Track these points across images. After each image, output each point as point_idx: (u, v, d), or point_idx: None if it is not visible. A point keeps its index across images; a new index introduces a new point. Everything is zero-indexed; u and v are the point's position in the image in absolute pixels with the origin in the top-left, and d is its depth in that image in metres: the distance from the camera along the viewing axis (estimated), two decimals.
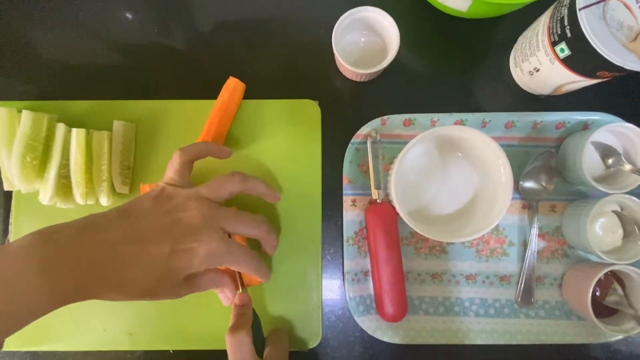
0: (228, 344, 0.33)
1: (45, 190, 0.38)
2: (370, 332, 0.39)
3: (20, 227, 0.41)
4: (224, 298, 0.37)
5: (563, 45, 0.33)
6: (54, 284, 0.26)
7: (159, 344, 0.40)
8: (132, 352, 0.40)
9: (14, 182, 0.38)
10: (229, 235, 0.35)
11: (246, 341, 0.33)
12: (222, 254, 0.31)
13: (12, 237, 0.41)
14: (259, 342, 0.35)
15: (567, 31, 0.32)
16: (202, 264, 0.30)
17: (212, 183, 0.34)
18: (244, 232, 0.35)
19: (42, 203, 0.38)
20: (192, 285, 0.33)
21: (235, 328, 0.34)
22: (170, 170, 0.34)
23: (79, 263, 0.27)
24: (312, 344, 0.40)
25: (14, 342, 0.40)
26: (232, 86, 0.41)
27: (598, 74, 0.33)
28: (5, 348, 0.40)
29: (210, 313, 0.40)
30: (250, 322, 0.35)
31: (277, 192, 0.38)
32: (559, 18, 0.32)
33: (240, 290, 0.37)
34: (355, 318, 0.39)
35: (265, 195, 0.37)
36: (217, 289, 0.36)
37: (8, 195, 0.41)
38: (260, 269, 0.35)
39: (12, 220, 0.41)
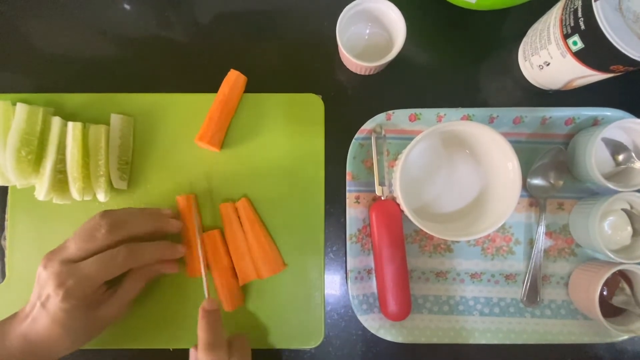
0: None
1: (41, 186, 0.37)
2: (373, 331, 0.39)
3: (16, 223, 0.40)
4: (170, 268, 0.38)
5: (576, 37, 0.32)
6: None
7: (158, 342, 0.39)
8: (131, 351, 0.40)
9: (9, 177, 0.37)
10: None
11: None
12: (72, 284, 0.31)
13: (8, 233, 0.40)
14: None
15: (581, 23, 0.30)
16: (70, 299, 0.31)
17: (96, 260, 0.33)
18: (124, 269, 0.34)
19: (38, 199, 0.37)
20: (115, 301, 0.34)
21: (212, 346, 0.32)
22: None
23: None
24: (314, 342, 0.39)
25: None
26: (233, 79, 0.40)
27: (611, 68, 0.32)
28: None
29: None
30: (224, 335, 0.33)
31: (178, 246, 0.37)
32: (572, 9, 0.31)
33: (206, 296, 0.35)
34: (358, 316, 0.39)
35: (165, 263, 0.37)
36: (152, 277, 0.37)
37: (4, 190, 0.40)
38: (167, 250, 0.36)
39: (7, 216, 0.40)
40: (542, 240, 0.39)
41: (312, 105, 0.41)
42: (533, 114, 0.39)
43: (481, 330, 0.39)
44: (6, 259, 0.40)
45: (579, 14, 0.31)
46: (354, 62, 0.37)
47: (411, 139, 0.35)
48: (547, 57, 0.36)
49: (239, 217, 0.40)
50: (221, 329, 0.34)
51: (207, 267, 0.38)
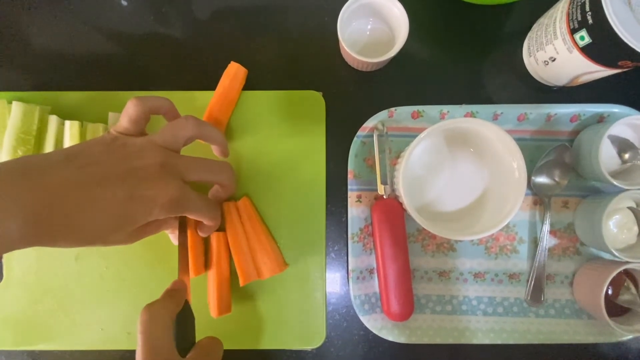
0: (140, 320, 0.28)
1: None
2: (375, 331, 0.38)
3: None
4: (174, 238, 0.37)
5: (583, 32, 0.31)
6: None
7: None
8: (131, 352, 0.39)
9: None
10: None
11: (163, 318, 0.28)
12: (183, 202, 0.30)
13: None
14: (187, 343, 0.31)
15: (589, 17, 0.30)
16: (163, 213, 0.28)
17: (164, 129, 0.31)
18: (206, 178, 0.32)
19: None
20: (144, 231, 0.31)
21: (153, 303, 0.29)
22: (125, 120, 0.31)
23: (20, 208, 0.24)
24: (316, 343, 0.39)
25: (12, 341, 0.39)
26: (234, 71, 0.39)
27: (620, 63, 0.31)
28: (2, 347, 0.39)
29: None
30: (177, 305, 0.30)
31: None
32: (580, 3, 0.31)
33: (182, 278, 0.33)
34: (360, 317, 0.38)
35: (219, 145, 0.35)
36: (169, 230, 0.35)
37: None
38: (218, 218, 0.35)
39: None
40: (546, 239, 0.39)
41: (313, 102, 0.40)
42: (538, 111, 0.39)
43: (484, 330, 0.39)
44: (4, 259, 0.39)
45: (587, 8, 0.30)
46: (356, 58, 0.36)
47: (414, 136, 0.34)
48: (553, 52, 0.35)
49: (240, 217, 0.39)
50: (175, 302, 0.31)
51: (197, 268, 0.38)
